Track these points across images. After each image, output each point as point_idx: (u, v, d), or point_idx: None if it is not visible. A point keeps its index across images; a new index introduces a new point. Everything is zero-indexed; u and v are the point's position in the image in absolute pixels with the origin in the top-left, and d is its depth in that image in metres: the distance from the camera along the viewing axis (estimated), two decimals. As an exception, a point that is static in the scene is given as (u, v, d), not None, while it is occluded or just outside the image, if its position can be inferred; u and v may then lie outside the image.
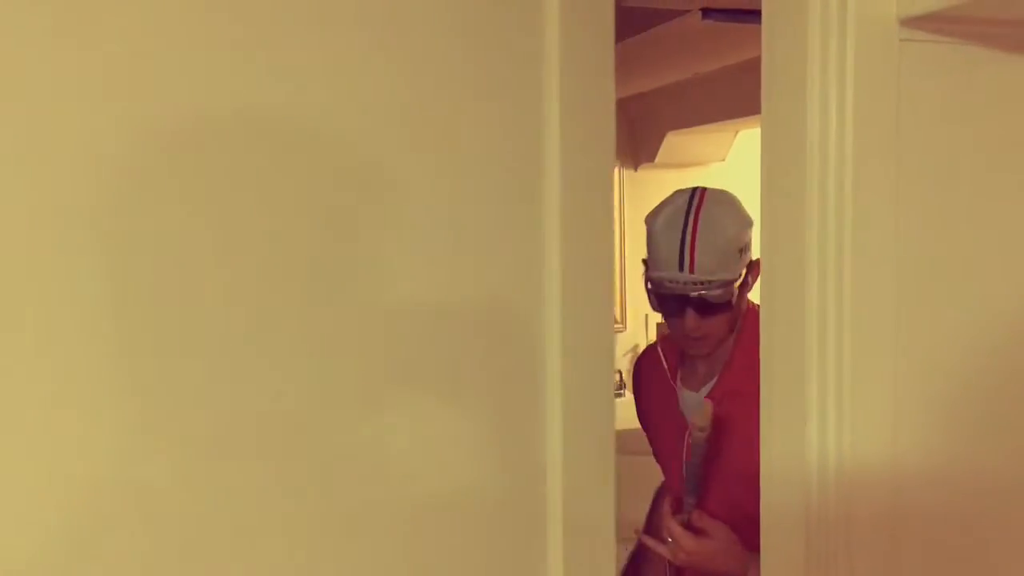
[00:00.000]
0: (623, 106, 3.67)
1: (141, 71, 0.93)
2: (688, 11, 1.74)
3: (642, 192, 3.93)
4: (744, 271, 1.63)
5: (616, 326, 3.95)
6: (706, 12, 1.72)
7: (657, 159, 3.76)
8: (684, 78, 2.63)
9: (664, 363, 1.81)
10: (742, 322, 1.68)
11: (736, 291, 1.62)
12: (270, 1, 1.00)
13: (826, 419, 1.06)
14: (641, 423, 1.92)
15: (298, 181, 1.06)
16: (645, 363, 1.93)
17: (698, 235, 1.58)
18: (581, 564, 1.26)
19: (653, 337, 4.00)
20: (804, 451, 1.08)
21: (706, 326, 1.63)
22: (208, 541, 1.06)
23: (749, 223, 1.64)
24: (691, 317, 1.62)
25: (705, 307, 1.61)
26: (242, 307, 1.04)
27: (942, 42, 1.03)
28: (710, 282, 1.60)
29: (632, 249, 3.91)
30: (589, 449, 1.23)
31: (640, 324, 3.96)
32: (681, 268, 1.59)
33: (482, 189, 1.14)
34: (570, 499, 1.22)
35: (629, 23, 2.14)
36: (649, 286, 1.71)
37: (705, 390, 1.71)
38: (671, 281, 1.61)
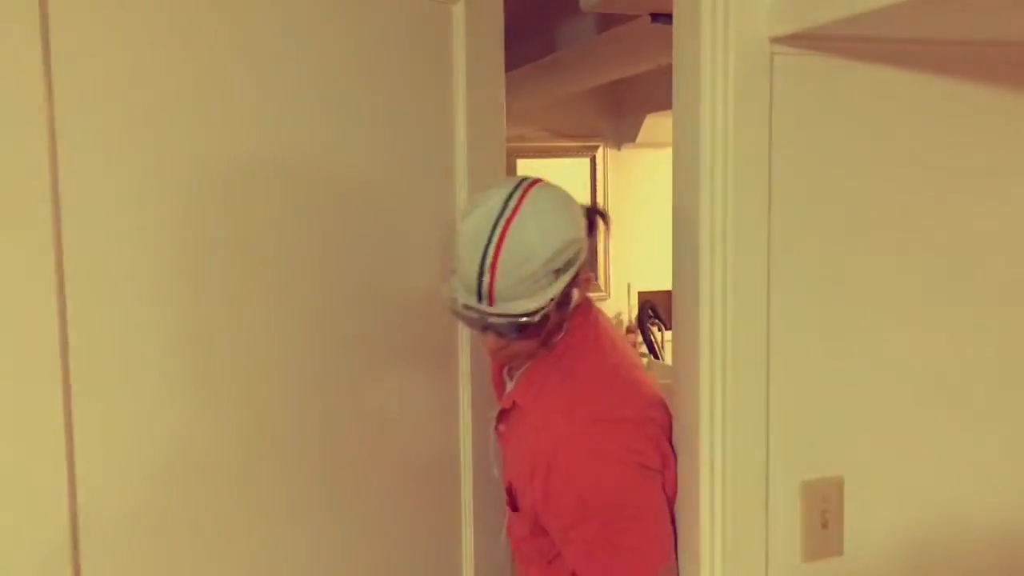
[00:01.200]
0: (608, 91, 3.92)
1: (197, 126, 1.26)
2: (639, 15, 2.03)
3: (624, 168, 4.20)
4: (561, 289, 1.34)
5: (600, 294, 4.21)
6: (654, 16, 2.00)
7: (638, 139, 4.02)
8: (659, 65, 2.90)
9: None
10: (569, 324, 1.45)
11: (550, 309, 1.34)
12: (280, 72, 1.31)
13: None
14: None
15: (301, 200, 1.40)
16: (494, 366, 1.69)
17: (500, 260, 1.30)
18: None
19: (635, 305, 4.26)
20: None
21: (512, 347, 1.41)
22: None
23: (573, 234, 1.35)
24: (491, 339, 1.40)
25: (508, 332, 1.37)
26: (265, 302, 1.39)
27: (806, 55, 1.29)
28: (511, 315, 1.34)
29: (614, 216, 4.18)
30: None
31: (623, 292, 4.23)
32: (479, 299, 1.34)
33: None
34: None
35: (596, 24, 2.43)
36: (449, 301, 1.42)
37: (511, 386, 1.55)
38: (467, 307, 1.36)
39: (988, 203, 1.39)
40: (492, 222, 1.31)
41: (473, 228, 1.32)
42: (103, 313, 1.26)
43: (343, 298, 1.51)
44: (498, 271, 1.30)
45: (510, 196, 1.34)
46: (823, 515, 1.35)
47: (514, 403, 1.50)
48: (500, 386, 1.63)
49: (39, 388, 1.21)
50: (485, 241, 1.30)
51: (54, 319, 1.20)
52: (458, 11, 1.55)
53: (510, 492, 1.50)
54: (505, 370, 1.58)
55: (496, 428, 1.58)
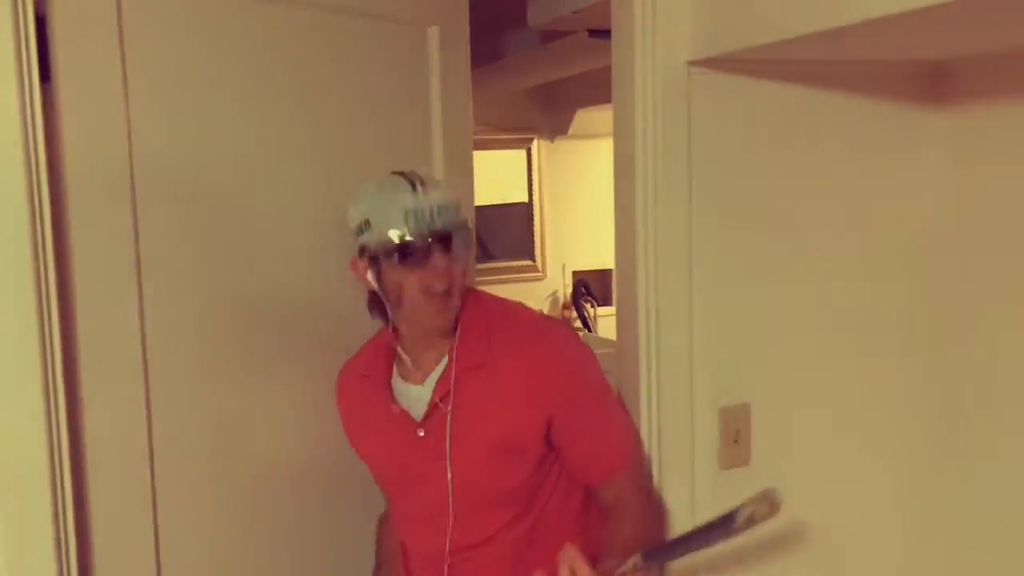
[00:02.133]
0: (542, 88, 4.25)
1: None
2: (578, 31, 2.39)
3: (557, 159, 4.55)
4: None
5: (537, 274, 4.56)
6: (591, 32, 2.35)
7: (570, 131, 4.36)
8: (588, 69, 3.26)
9: (375, 363, 1.62)
10: (464, 300, 1.53)
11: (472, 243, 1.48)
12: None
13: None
14: (357, 446, 1.68)
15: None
16: (345, 381, 1.68)
17: (427, 181, 1.49)
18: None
19: (570, 284, 4.61)
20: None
21: (454, 272, 1.48)
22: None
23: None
24: (439, 258, 1.46)
25: (449, 242, 1.46)
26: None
27: (716, 74, 1.64)
28: (455, 206, 1.49)
29: (548, 205, 4.54)
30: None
31: (558, 272, 4.58)
32: (414, 189, 1.46)
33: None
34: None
35: (541, 39, 2.80)
36: (370, 259, 1.49)
37: (435, 375, 1.55)
38: (414, 213, 1.44)
39: (857, 184, 1.77)
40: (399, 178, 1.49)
41: (382, 184, 1.49)
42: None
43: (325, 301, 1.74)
44: (428, 181, 1.49)
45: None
46: (735, 433, 1.72)
47: (480, 364, 1.51)
48: (379, 414, 1.60)
49: None
50: (407, 181, 1.48)
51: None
52: (433, 33, 1.87)
53: (465, 485, 1.53)
54: (393, 376, 1.60)
55: (422, 429, 1.55)
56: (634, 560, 1.34)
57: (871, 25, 1.25)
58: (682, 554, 1.39)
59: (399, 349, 1.59)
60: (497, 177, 4.36)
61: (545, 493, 1.56)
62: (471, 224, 1.53)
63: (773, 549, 1.74)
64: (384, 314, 1.57)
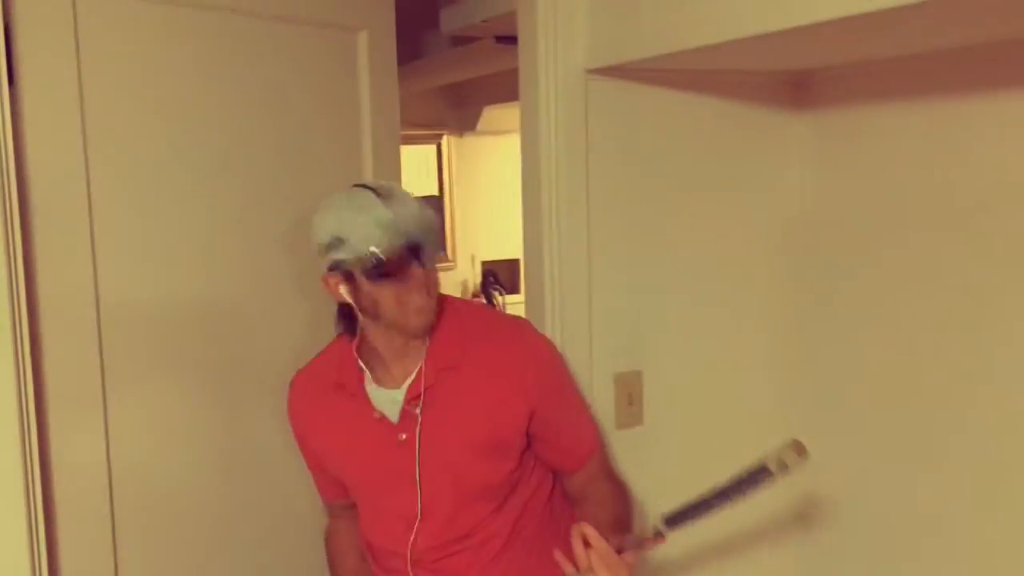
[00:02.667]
0: (451, 86, 4.44)
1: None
2: (486, 37, 2.59)
3: (466, 154, 4.76)
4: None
5: (448, 264, 4.74)
6: (499, 38, 2.55)
7: (478, 128, 4.56)
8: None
9: (348, 372, 1.60)
10: (439, 304, 1.56)
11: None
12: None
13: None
14: (320, 465, 1.69)
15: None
16: (306, 392, 1.67)
17: (393, 192, 1.50)
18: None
19: (479, 273, 4.80)
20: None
21: (431, 279, 1.51)
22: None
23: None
24: (416, 269, 1.47)
25: (420, 251, 1.47)
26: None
27: (610, 80, 1.84)
28: (423, 214, 1.49)
29: (458, 198, 4.73)
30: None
31: (468, 263, 4.77)
32: (384, 202, 1.45)
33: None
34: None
35: (452, 42, 2.99)
36: (344, 275, 1.49)
37: (410, 380, 1.55)
38: (389, 227, 1.44)
39: (730, 179, 2.02)
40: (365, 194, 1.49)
41: (351, 200, 1.48)
42: None
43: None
44: (396, 198, 1.48)
45: (380, 187, 1.51)
46: (629, 397, 1.95)
47: (454, 365, 1.55)
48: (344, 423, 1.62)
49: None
50: (374, 193, 1.47)
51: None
52: (362, 37, 2.02)
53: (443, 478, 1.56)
54: (371, 386, 1.59)
55: (403, 432, 1.56)
56: (656, 527, 1.35)
57: (743, 41, 1.47)
58: (707, 514, 1.33)
59: (360, 362, 1.58)
60: (408, 172, 4.52)
61: (524, 484, 1.61)
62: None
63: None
64: (352, 326, 1.58)
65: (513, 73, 1.91)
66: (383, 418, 1.57)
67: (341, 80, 2.00)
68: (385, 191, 1.49)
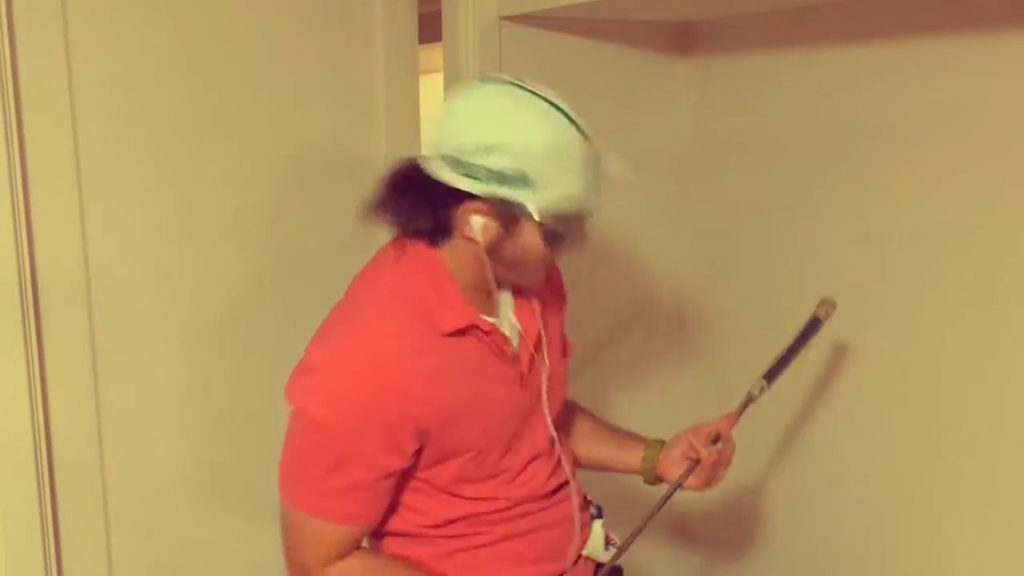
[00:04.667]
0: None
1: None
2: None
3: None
4: None
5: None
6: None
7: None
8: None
9: (465, 312, 1.27)
10: None
11: None
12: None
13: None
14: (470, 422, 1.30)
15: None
16: (415, 381, 1.23)
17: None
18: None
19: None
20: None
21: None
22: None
23: None
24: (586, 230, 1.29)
25: None
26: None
27: (521, 27, 2.08)
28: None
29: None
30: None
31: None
32: (586, 139, 1.22)
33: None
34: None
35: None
36: (507, 218, 1.21)
37: (510, 304, 1.38)
38: (595, 177, 1.23)
39: (624, 118, 2.29)
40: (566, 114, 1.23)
41: (559, 128, 1.20)
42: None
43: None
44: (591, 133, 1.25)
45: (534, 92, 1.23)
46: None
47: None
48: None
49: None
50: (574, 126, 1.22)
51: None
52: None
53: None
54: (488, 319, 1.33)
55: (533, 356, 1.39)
56: (760, 385, 1.48)
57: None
58: (791, 362, 1.52)
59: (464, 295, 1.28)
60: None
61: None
62: None
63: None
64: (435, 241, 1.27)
65: (438, 15, 2.15)
66: (511, 352, 1.35)
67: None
68: (583, 124, 1.21)
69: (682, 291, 2.41)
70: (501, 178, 1.18)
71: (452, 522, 1.37)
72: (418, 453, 1.28)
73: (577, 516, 1.47)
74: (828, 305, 1.59)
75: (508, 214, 1.21)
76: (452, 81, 2.13)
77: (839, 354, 2.04)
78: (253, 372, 2.00)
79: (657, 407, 2.35)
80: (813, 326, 1.58)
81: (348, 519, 1.28)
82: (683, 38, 2.30)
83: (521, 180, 1.18)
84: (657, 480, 1.56)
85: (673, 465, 1.52)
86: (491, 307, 1.34)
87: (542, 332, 1.39)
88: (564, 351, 1.53)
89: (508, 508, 1.39)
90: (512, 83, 1.23)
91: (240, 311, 1.99)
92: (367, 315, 1.27)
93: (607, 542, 1.55)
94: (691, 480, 1.48)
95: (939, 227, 1.84)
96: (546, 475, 1.43)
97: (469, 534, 1.38)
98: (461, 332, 1.27)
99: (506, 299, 1.39)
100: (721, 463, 1.48)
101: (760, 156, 2.19)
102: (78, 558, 1.84)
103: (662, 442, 1.57)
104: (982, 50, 1.73)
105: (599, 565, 1.54)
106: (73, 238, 1.76)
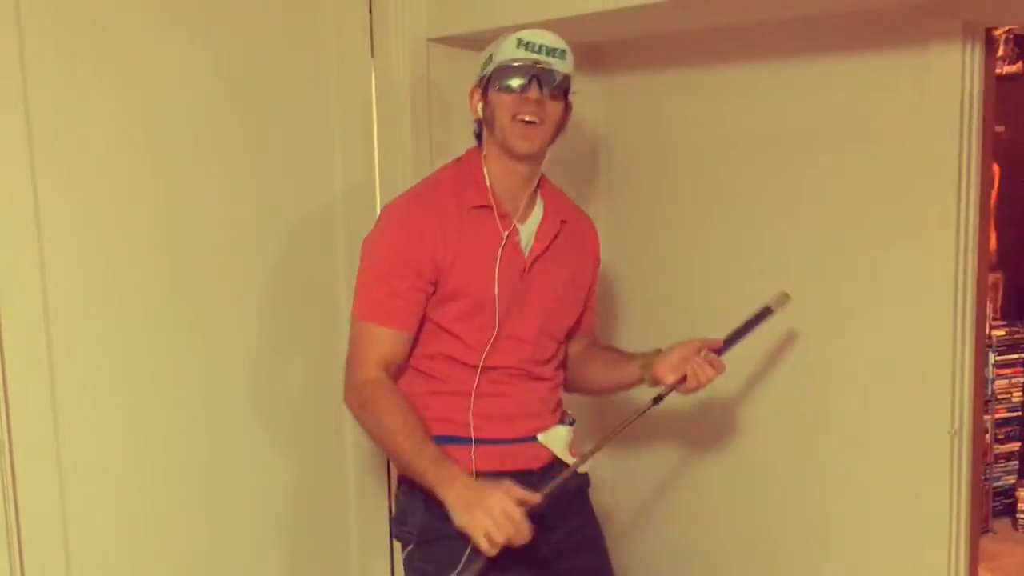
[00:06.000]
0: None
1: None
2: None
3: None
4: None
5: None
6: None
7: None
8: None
9: (484, 197, 1.78)
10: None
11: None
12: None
13: None
14: (435, 280, 1.75)
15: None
16: (435, 213, 1.76)
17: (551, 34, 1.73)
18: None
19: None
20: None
21: (547, 107, 1.72)
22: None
23: None
24: (534, 90, 1.71)
25: (547, 82, 1.71)
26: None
27: (445, 48, 2.30)
28: (565, 55, 1.74)
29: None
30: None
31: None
32: (553, 54, 1.72)
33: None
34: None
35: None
36: (482, 89, 1.76)
37: (537, 218, 1.83)
38: (525, 45, 1.71)
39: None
40: None
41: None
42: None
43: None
44: (549, 34, 1.75)
45: None
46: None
47: (564, 220, 1.87)
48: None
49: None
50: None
51: None
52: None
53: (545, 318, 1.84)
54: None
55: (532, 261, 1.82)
56: (718, 346, 1.85)
57: (549, 21, 1.97)
58: (743, 338, 1.87)
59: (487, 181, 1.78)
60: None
61: (563, 349, 1.95)
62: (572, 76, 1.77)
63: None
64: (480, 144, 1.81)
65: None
66: (518, 244, 1.80)
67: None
68: (544, 29, 1.75)
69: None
70: (484, 64, 1.78)
71: (437, 357, 1.80)
72: (434, 285, 1.76)
73: (545, 403, 1.86)
74: (782, 297, 1.90)
75: (483, 85, 1.78)
76: (384, 100, 2.33)
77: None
78: (202, 376, 2.14)
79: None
80: (765, 312, 1.89)
81: (390, 320, 1.75)
82: (591, 58, 2.56)
83: (488, 59, 1.77)
84: (655, 381, 1.87)
85: (671, 367, 1.85)
86: (524, 215, 1.83)
87: (549, 248, 1.83)
88: (585, 302, 1.96)
89: (486, 369, 1.80)
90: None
91: (186, 321, 2.11)
92: (419, 187, 1.86)
93: (571, 453, 1.84)
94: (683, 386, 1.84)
95: (802, 225, 2.16)
96: (524, 357, 1.83)
97: (447, 378, 1.80)
98: (481, 208, 1.78)
99: (536, 216, 1.84)
100: (711, 367, 1.84)
101: (658, 163, 2.47)
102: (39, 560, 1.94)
103: (658, 350, 1.90)
104: (842, 71, 2.06)
105: (566, 467, 1.78)
106: (30, 259, 1.88)
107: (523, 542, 1.59)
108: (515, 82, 1.72)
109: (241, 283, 2.19)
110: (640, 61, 2.49)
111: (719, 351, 1.86)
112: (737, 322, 1.89)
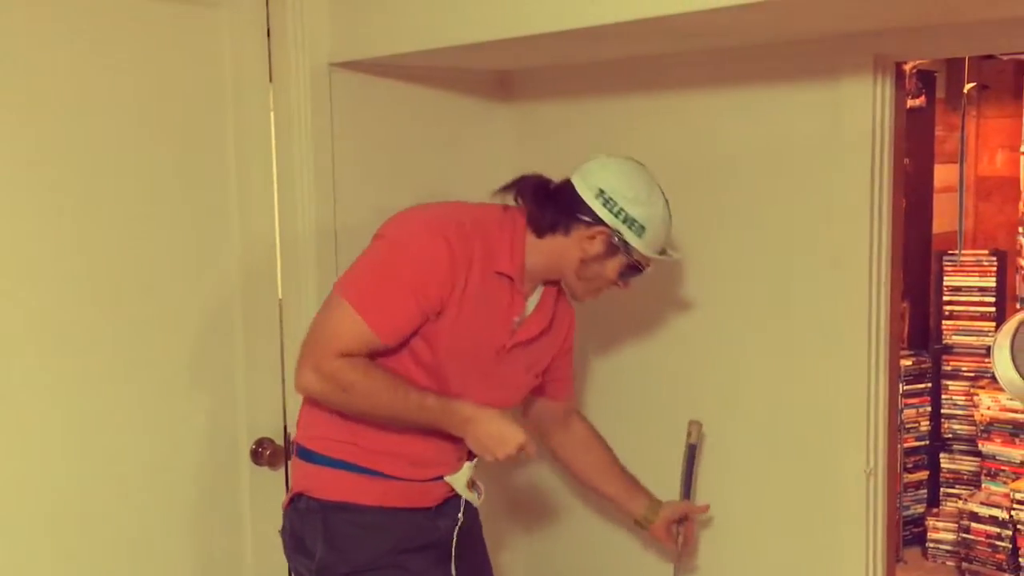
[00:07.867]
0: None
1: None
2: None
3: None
4: None
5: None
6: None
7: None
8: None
9: (516, 273, 1.80)
10: None
11: None
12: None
13: None
14: (431, 314, 1.73)
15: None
16: (472, 257, 1.75)
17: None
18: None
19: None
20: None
21: None
22: None
23: None
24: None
25: None
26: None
27: (348, 72, 2.21)
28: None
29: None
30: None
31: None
32: (668, 209, 1.82)
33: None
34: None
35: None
36: (612, 245, 1.76)
37: (535, 300, 1.87)
38: (667, 241, 1.85)
39: (453, 158, 2.46)
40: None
41: (661, 200, 1.81)
42: None
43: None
44: None
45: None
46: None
47: (554, 303, 1.91)
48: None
49: None
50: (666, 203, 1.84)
51: None
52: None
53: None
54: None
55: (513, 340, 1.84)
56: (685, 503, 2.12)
57: (453, 48, 1.93)
58: (693, 483, 2.14)
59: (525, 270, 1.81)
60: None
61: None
62: None
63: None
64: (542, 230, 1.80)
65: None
66: (516, 320, 1.83)
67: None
68: (665, 198, 1.82)
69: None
70: (631, 222, 1.76)
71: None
72: (425, 318, 1.72)
73: (460, 451, 1.85)
74: (695, 426, 2.12)
75: (615, 245, 1.77)
76: (283, 125, 2.21)
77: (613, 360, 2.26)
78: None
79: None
80: (692, 449, 2.12)
81: (379, 325, 1.69)
82: (502, 86, 2.49)
83: (640, 229, 1.77)
84: (650, 531, 2.14)
85: (665, 530, 2.12)
86: (528, 291, 1.85)
87: (537, 336, 1.86)
88: (559, 371, 2.02)
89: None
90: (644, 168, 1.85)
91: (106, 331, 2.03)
92: (463, 214, 1.81)
93: (471, 484, 1.87)
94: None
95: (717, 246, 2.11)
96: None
97: None
98: (502, 276, 1.77)
99: (536, 296, 1.87)
100: (688, 539, 2.14)
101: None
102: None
103: (660, 503, 2.11)
104: (756, 102, 2.04)
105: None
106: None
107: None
108: (639, 274, 1.82)
109: (128, 314, 2.05)
110: (552, 89, 2.43)
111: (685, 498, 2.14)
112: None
